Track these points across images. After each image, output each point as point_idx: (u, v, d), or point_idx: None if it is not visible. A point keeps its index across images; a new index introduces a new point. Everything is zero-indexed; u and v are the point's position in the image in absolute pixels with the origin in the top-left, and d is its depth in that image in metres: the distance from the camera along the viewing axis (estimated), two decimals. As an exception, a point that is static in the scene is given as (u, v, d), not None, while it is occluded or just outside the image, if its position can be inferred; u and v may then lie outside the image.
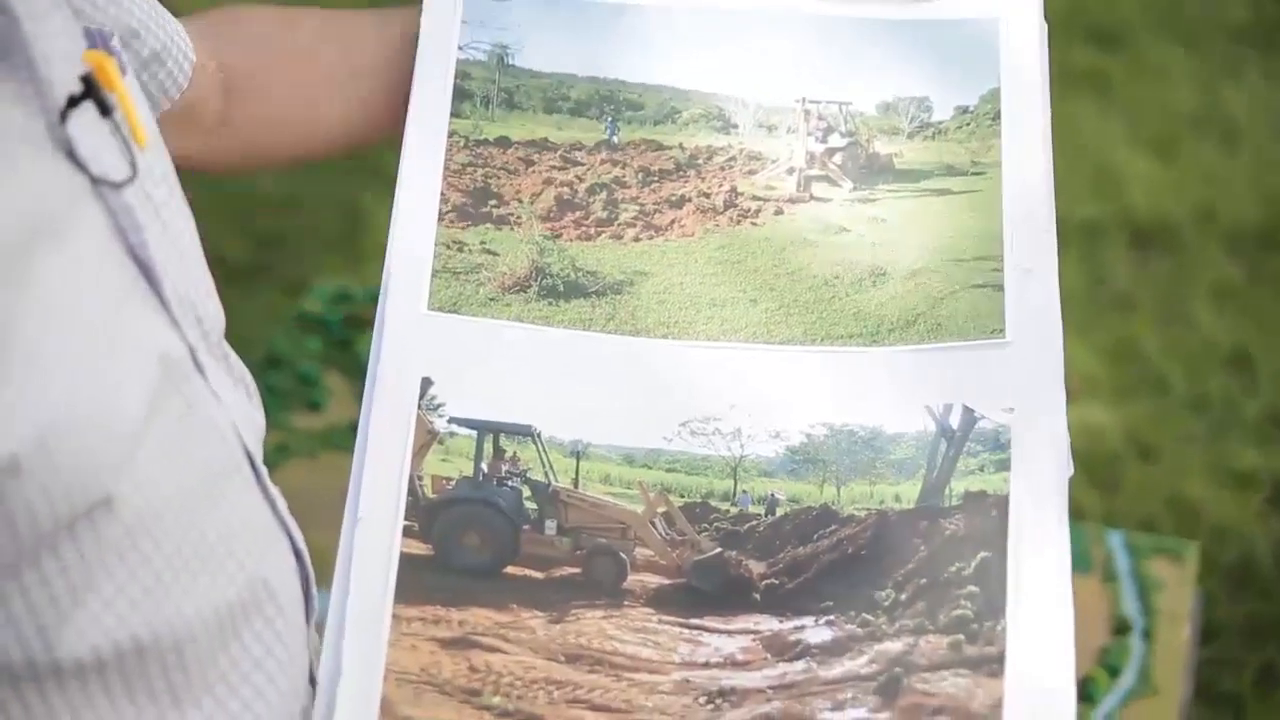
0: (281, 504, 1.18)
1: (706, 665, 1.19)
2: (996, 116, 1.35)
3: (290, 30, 1.43)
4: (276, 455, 1.58)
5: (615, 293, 1.32)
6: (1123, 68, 3.53)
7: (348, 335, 2.23)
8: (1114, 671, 1.86)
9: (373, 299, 2.27)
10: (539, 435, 1.25)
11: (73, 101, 1.04)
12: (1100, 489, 2.80)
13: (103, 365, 1.01)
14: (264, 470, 1.16)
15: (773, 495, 1.26)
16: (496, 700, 1.16)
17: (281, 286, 3.06)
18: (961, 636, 1.18)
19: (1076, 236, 3.13)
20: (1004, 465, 1.23)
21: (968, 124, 1.38)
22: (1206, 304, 3.12)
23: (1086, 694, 1.80)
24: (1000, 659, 1.16)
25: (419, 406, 1.24)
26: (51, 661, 1.01)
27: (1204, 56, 3.57)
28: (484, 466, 1.25)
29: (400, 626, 1.17)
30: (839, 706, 1.16)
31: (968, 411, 1.25)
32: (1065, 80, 3.42)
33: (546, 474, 1.25)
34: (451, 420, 1.25)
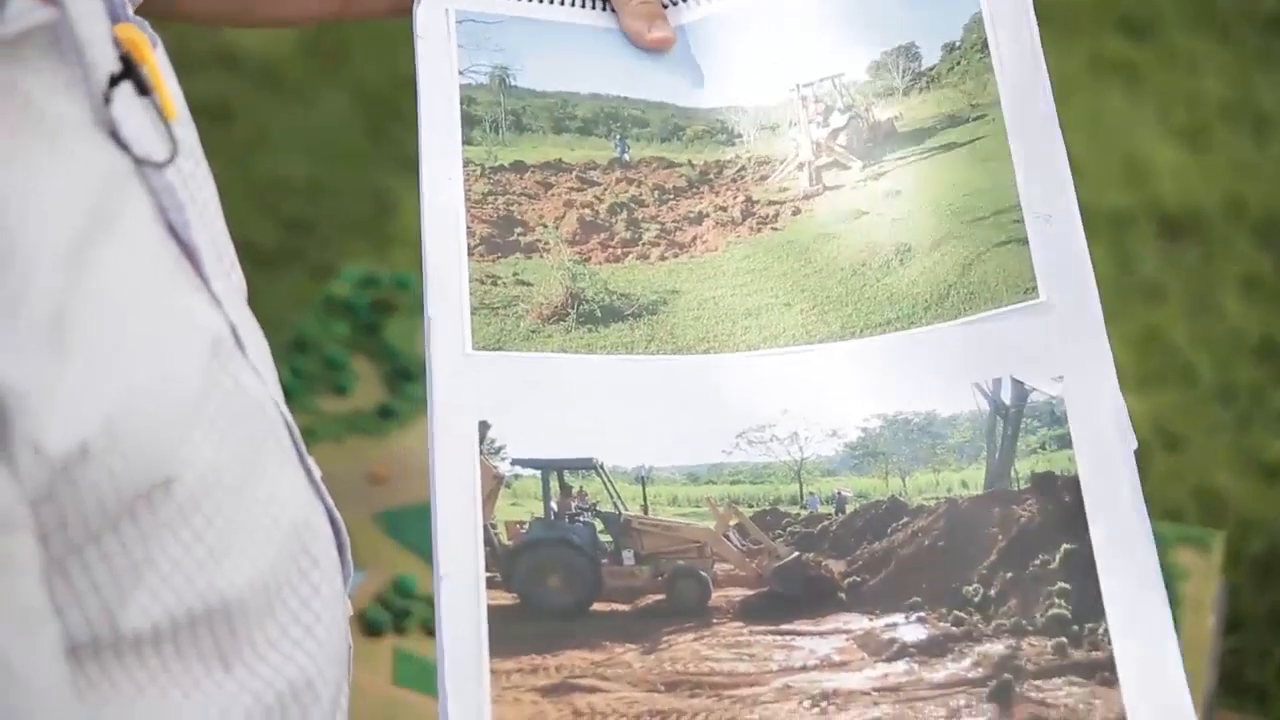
0: (317, 472, 1.20)
1: (805, 669, 1.19)
2: (984, 46, 1.34)
3: None
4: (303, 438, 1.55)
5: (651, 313, 1.31)
6: (1153, 57, 3.53)
7: (375, 319, 2.23)
8: None
9: (400, 284, 2.28)
10: (602, 466, 1.25)
11: (113, 81, 1.05)
12: (1126, 479, 2.80)
13: (160, 349, 1.03)
14: (301, 440, 1.19)
15: (839, 493, 1.26)
16: None
17: (309, 271, 3.05)
18: (1064, 639, 1.18)
19: (1105, 225, 3.14)
20: (1065, 441, 1.23)
21: (959, 63, 1.37)
22: (1235, 294, 3.12)
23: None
24: (1111, 665, 1.16)
25: (480, 452, 1.23)
26: (114, 637, 1.02)
27: (1235, 46, 3.57)
28: (554, 505, 1.25)
29: (500, 681, 1.16)
30: (954, 714, 1.16)
31: (1018, 385, 1.25)
32: (1096, 70, 3.42)
33: (615, 504, 1.25)
34: (515, 462, 1.24)
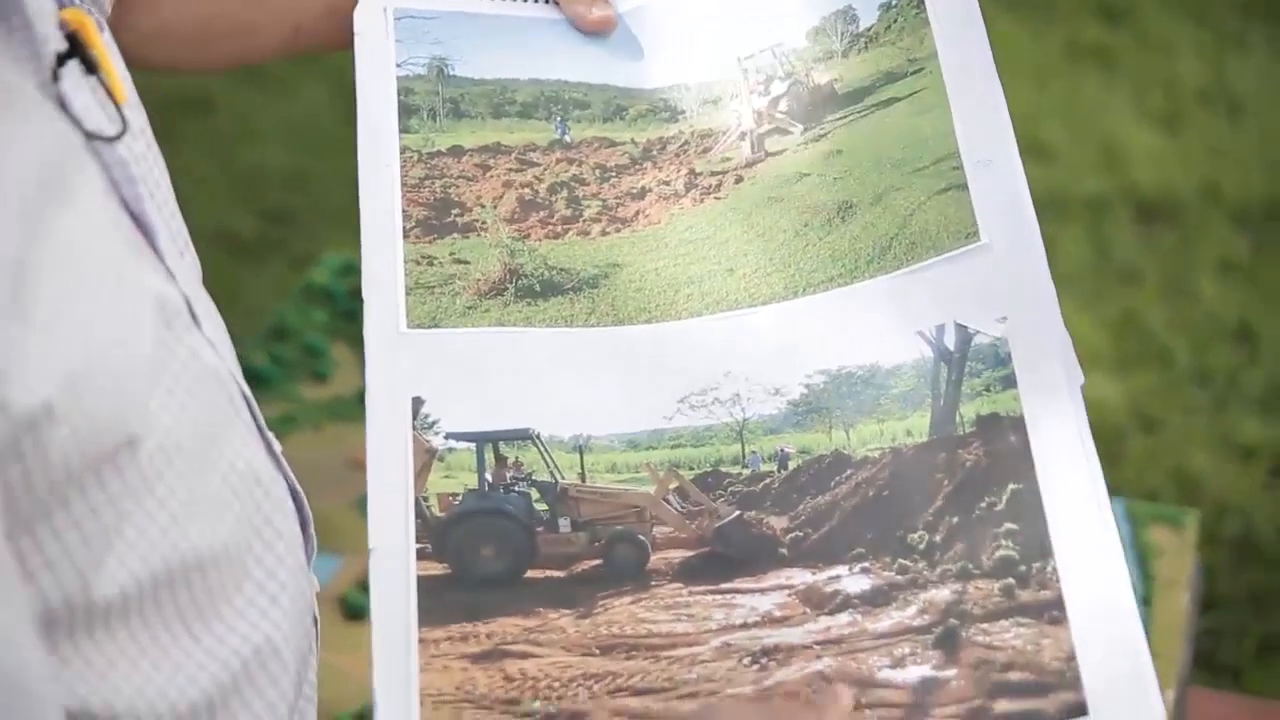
0: (277, 447, 1.21)
1: (745, 626, 1.17)
2: (920, 2, 1.34)
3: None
4: (283, 425, 1.58)
5: (592, 287, 1.31)
6: (1129, 42, 3.54)
7: (354, 306, 2.23)
8: None
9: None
10: (539, 437, 1.24)
11: (60, 60, 1.06)
12: (1103, 461, 2.80)
13: (116, 311, 1.04)
14: (260, 415, 1.19)
15: (782, 450, 1.24)
16: (537, 705, 1.14)
17: (289, 261, 3.07)
18: (1012, 580, 1.15)
19: (1081, 210, 3.14)
20: (1010, 381, 1.21)
21: (895, 20, 1.36)
22: (1211, 277, 3.12)
23: None
24: (1059, 604, 1.14)
25: (413, 427, 1.23)
26: (88, 607, 1.03)
27: (1210, 30, 3.58)
28: (488, 476, 1.24)
29: (429, 649, 1.16)
30: (899, 663, 1.14)
31: (961, 329, 1.23)
32: (1072, 54, 3.42)
33: (552, 473, 1.24)
34: (449, 436, 1.23)
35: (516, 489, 1.24)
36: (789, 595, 1.19)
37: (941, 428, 1.22)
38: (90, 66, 1.08)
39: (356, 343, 2.17)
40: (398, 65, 1.38)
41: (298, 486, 1.22)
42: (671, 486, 1.24)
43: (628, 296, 1.30)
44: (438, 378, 1.25)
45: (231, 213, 2.94)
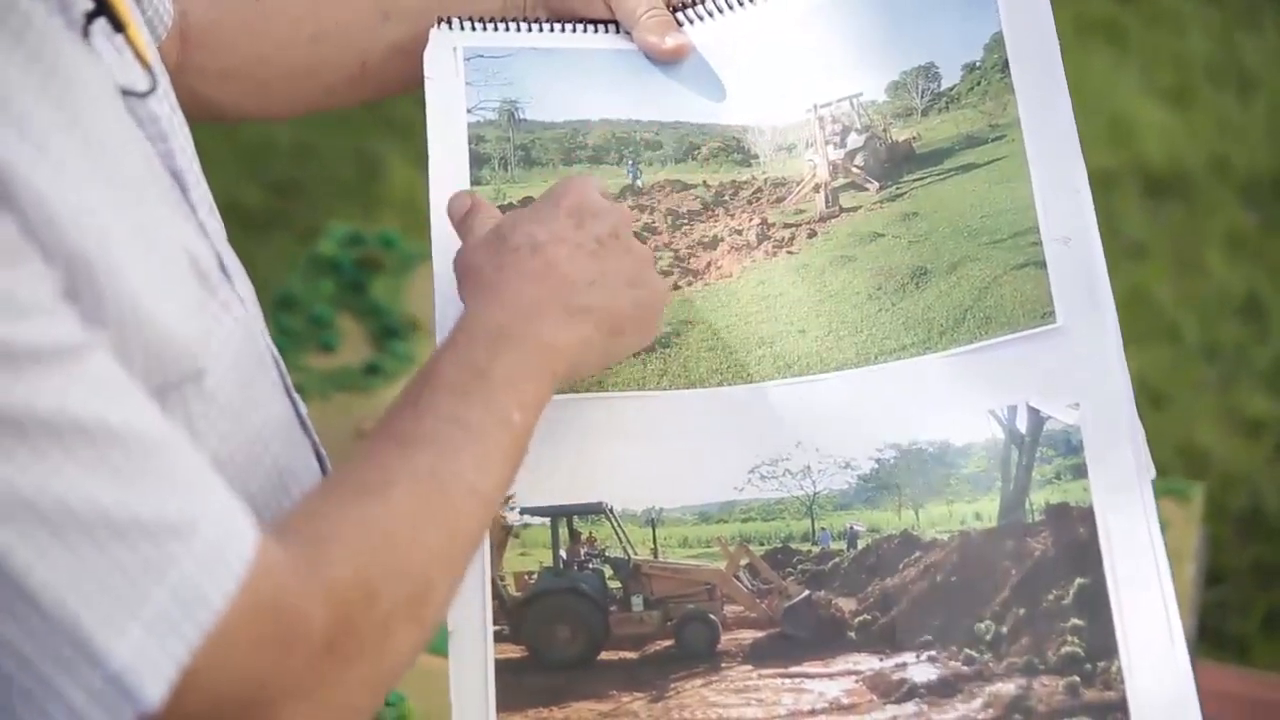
0: (303, 407, 1.23)
1: (813, 712, 1.19)
2: (1005, 66, 1.32)
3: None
4: None
5: (664, 346, 1.30)
6: (1138, 17, 3.50)
7: (360, 278, 2.23)
8: None
9: (386, 242, 2.27)
10: (611, 511, 1.25)
11: (88, 18, 1.06)
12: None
13: (165, 258, 1.05)
14: (288, 376, 1.22)
15: (851, 528, 1.25)
16: None
17: (295, 233, 3.06)
18: (1077, 678, 1.16)
19: (1091, 185, 3.12)
20: (1081, 471, 1.21)
21: (979, 83, 1.34)
22: (1220, 252, 3.11)
23: None
24: (1123, 706, 1.15)
25: None
26: None
27: (1219, 6, 3.53)
28: (563, 553, 1.25)
29: None
30: None
31: (1033, 412, 1.23)
32: (1081, 30, 3.39)
33: (625, 549, 1.25)
34: (523, 512, 1.24)
35: (590, 566, 1.25)
36: (856, 681, 1.20)
37: (1010, 513, 1.22)
38: (117, 25, 1.09)
39: (363, 314, 2.17)
40: (469, 111, 1.36)
41: (322, 449, 1.24)
42: (742, 563, 1.25)
43: (700, 356, 1.30)
44: None
45: (238, 185, 2.90)
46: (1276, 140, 3.25)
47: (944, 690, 1.18)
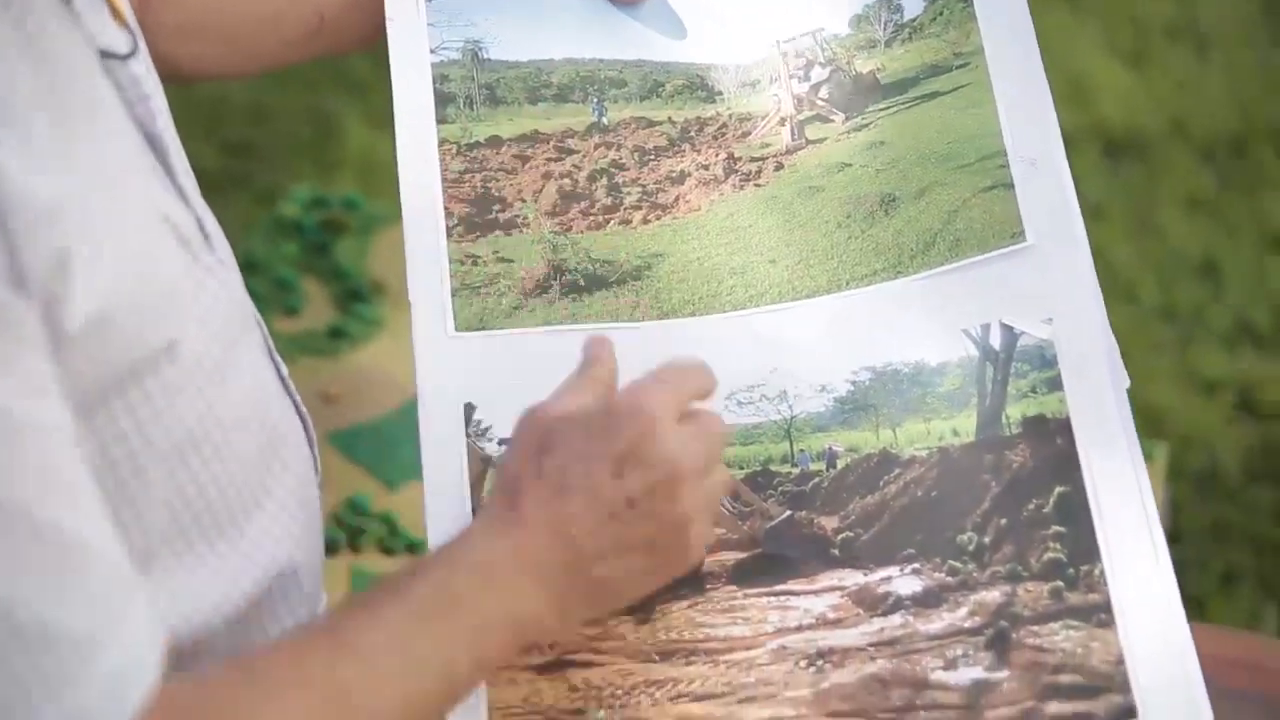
0: (284, 370, 1.24)
1: (800, 629, 1.19)
2: None
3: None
4: None
5: (635, 279, 1.31)
6: (1095, -25, 3.52)
7: (324, 240, 2.22)
8: None
9: (349, 204, 2.26)
10: None
11: None
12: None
13: (147, 226, 1.06)
14: (269, 337, 1.22)
15: (830, 449, 1.25)
16: (602, 715, 1.16)
17: (253, 195, 3.03)
18: (1060, 583, 1.17)
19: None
20: (1056, 384, 1.23)
21: (941, 13, 1.36)
22: (1177, 213, 3.12)
23: None
24: (1107, 607, 1.16)
25: (468, 435, 1.24)
26: (138, 518, 1.06)
27: (1176, -36, 3.56)
28: None
29: None
30: (951, 665, 1.16)
31: (1006, 329, 1.25)
32: (1039, -10, 3.41)
33: None
34: (502, 443, 1.24)
35: None
36: (842, 596, 1.20)
37: (988, 428, 1.24)
38: None
39: (327, 277, 2.16)
40: (432, 51, 1.37)
41: (304, 409, 1.24)
42: None
43: (671, 288, 1.30)
44: (488, 383, 1.26)
45: (192, 146, 2.88)
46: (1234, 101, 3.27)
47: (929, 601, 1.19)
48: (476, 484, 1.22)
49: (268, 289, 2.16)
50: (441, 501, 1.21)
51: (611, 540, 1.08)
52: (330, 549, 1.82)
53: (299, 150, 3.24)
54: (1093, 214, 3.14)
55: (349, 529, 1.84)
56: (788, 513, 1.24)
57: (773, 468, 1.26)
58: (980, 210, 1.28)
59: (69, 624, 0.92)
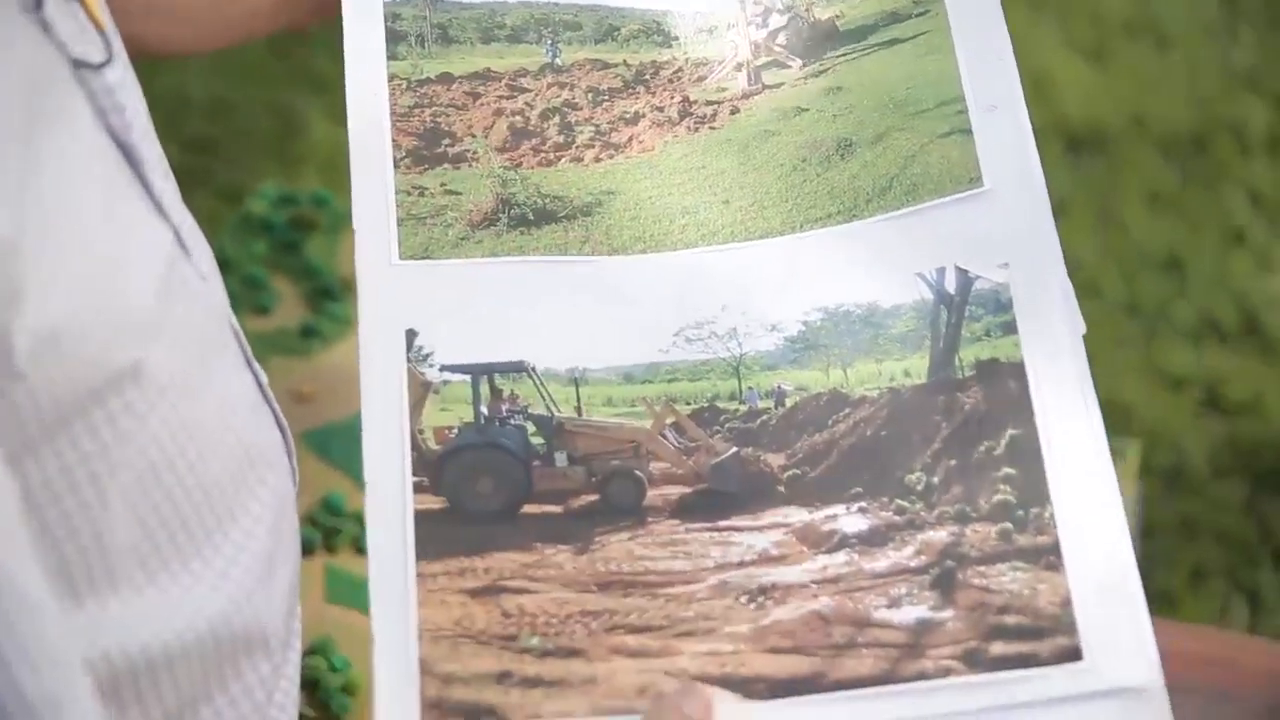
0: (263, 378, 1.21)
1: (741, 564, 1.17)
2: None
3: None
4: None
5: (585, 215, 1.29)
6: (1054, -28, 3.53)
7: (293, 238, 2.20)
8: None
9: (318, 201, 2.25)
10: (534, 369, 1.23)
11: None
12: (1033, 392, 2.83)
13: (112, 241, 1.03)
14: (248, 347, 1.19)
15: (779, 387, 1.24)
16: (535, 641, 1.14)
17: (216, 192, 3.02)
18: (1009, 525, 1.16)
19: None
20: (1011, 328, 1.22)
21: None
22: (1139, 208, 3.13)
23: None
24: (1056, 550, 1.15)
25: (408, 360, 1.22)
26: (98, 540, 1.04)
27: (1136, -39, 3.58)
28: (484, 409, 1.23)
29: (426, 584, 1.15)
30: (895, 603, 1.15)
31: (961, 273, 1.24)
32: (998, -15, 3.42)
33: (548, 406, 1.23)
34: (443, 369, 1.22)
35: (512, 422, 1.23)
36: (786, 534, 1.19)
37: (940, 370, 1.23)
38: None
39: (297, 275, 2.14)
40: None
41: (283, 418, 1.22)
42: (668, 421, 1.24)
43: (622, 225, 1.29)
44: (431, 310, 1.24)
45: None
46: (1194, 96, 3.28)
47: (875, 540, 1.17)
48: (415, 409, 1.20)
49: (238, 288, 2.14)
50: (379, 426, 1.19)
51: None
52: (305, 550, 1.80)
53: (262, 147, 3.23)
54: (1055, 209, 3.13)
55: (324, 529, 1.83)
56: (734, 449, 1.22)
57: (720, 404, 1.24)
58: (938, 155, 1.28)
59: None
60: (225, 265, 2.14)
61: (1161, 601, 2.57)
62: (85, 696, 0.99)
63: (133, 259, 1.06)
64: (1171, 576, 2.61)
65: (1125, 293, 2.99)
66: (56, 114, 1.03)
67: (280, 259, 2.18)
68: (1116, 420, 2.76)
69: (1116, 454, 1.65)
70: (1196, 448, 2.77)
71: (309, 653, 1.67)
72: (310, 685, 1.64)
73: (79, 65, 1.06)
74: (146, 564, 1.08)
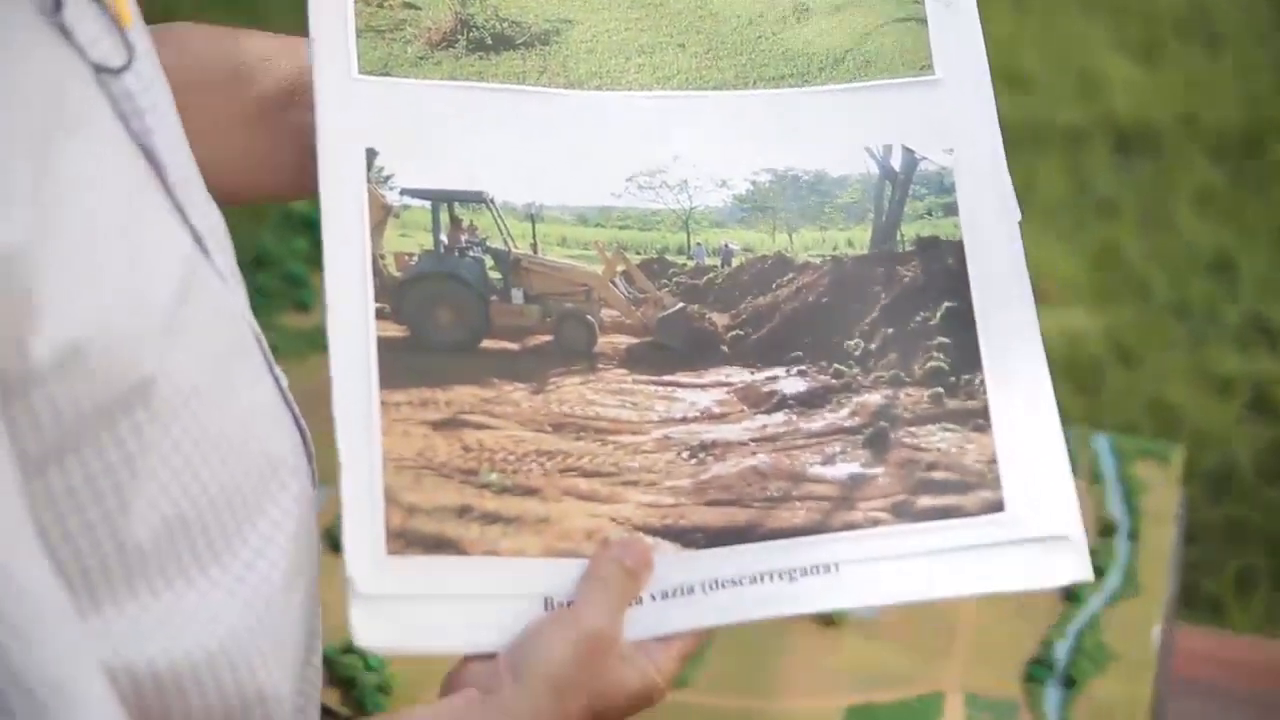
0: (284, 381, 1.19)
1: (684, 420, 1.21)
2: None
3: (228, 50, 1.35)
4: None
5: (543, 43, 1.29)
6: (1106, -31, 3.54)
7: (335, 234, 2.23)
8: (1099, 572, 1.86)
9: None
10: (492, 201, 1.24)
11: None
12: (1082, 393, 2.80)
13: (132, 249, 1.01)
14: (269, 351, 1.17)
15: (726, 246, 1.27)
16: (494, 477, 1.17)
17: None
18: (941, 389, 1.22)
19: (1060, 141, 3.13)
20: (952, 209, 1.26)
21: None
22: (1189, 209, 3.12)
23: (1073, 594, 1.81)
24: (985, 413, 1.21)
25: (368, 179, 1.21)
26: (119, 550, 1.02)
27: (1188, -40, 3.58)
28: (444, 238, 1.23)
29: (390, 413, 1.16)
30: (829, 460, 1.20)
31: (908, 152, 1.28)
32: (1051, -18, 3.43)
33: (505, 240, 1.24)
34: (404, 192, 1.22)
35: (471, 254, 1.24)
36: (728, 393, 1.23)
37: (882, 243, 1.27)
38: None
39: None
40: None
41: (303, 422, 1.19)
42: (619, 269, 1.26)
43: (579, 57, 1.29)
44: (391, 130, 1.23)
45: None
46: (1245, 96, 3.28)
47: (813, 401, 1.22)
48: (376, 231, 1.21)
49: (278, 284, 2.14)
50: (340, 246, 1.20)
51: None
52: (337, 547, 1.80)
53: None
54: (1104, 209, 3.14)
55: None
56: (680, 304, 1.25)
57: (669, 257, 1.26)
58: (893, 38, 1.31)
59: None
60: (266, 262, 2.14)
61: (1207, 608, 2.56)
62: (100, 700, 0.97)
63: (151, 265, 1.03)
64: (1218, 582, 2.59)
65: (1173, 295, 2.99)
66: (76, 122, 1.00)
67: (320, 256, 2.21)
68: (1163, 423, 2.76)
69: (1160, 458, 1.67)
70: (1243, 451, 2.76)
71: (344, 651, 1.66)
72: (346, 684, 1.65)
73: (99, 70, 1.03)
74: (165, 571, 1.06)
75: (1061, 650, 1.74)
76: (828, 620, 1.76)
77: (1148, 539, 1.89)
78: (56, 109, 0.98)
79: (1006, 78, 3.19)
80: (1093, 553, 1.88)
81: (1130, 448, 2.02)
